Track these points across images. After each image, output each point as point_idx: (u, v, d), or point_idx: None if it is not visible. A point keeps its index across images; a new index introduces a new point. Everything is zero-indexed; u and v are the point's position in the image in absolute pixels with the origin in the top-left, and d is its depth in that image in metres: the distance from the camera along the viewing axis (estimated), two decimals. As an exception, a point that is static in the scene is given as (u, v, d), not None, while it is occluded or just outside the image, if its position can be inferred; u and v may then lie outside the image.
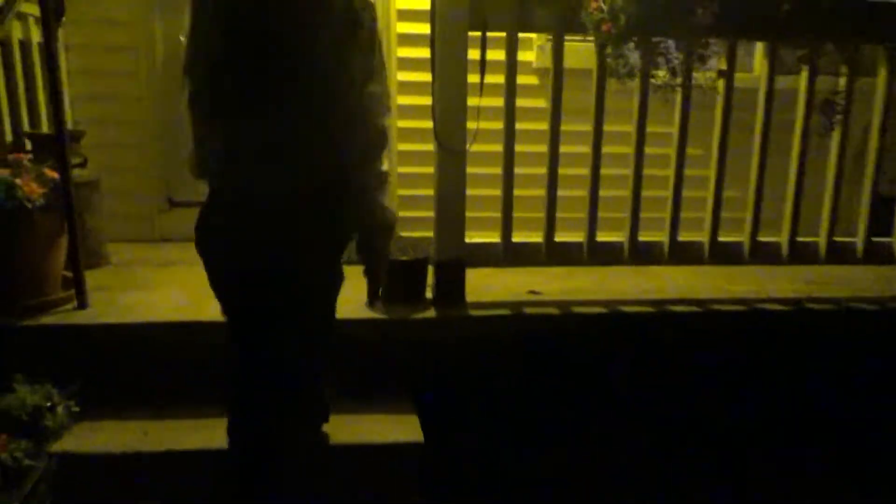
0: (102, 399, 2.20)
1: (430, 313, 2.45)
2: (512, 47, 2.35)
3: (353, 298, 2.52)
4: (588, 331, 2.48)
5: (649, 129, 2.52)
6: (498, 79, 2.39)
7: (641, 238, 2.62)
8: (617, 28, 2.00)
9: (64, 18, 3.27)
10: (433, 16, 2.29)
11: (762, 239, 2.69)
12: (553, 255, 2.57)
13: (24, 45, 3.04)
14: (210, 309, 2.34)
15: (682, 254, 2.64)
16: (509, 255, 2.54)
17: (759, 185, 2.64)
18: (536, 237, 2.57)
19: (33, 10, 3.05)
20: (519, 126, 2.46)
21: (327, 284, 1.76)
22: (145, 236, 3.51)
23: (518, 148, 2.47)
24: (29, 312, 2.30)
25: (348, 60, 1.58)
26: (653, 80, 2.23)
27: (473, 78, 2.32)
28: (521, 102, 2.47)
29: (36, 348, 2.23)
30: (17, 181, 2.20)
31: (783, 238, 2.69)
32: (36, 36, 3.12)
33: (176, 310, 2.42)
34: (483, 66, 2.33)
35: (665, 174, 2.63)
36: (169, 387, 2.28)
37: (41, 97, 3.13)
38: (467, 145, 2.38)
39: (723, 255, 2.67)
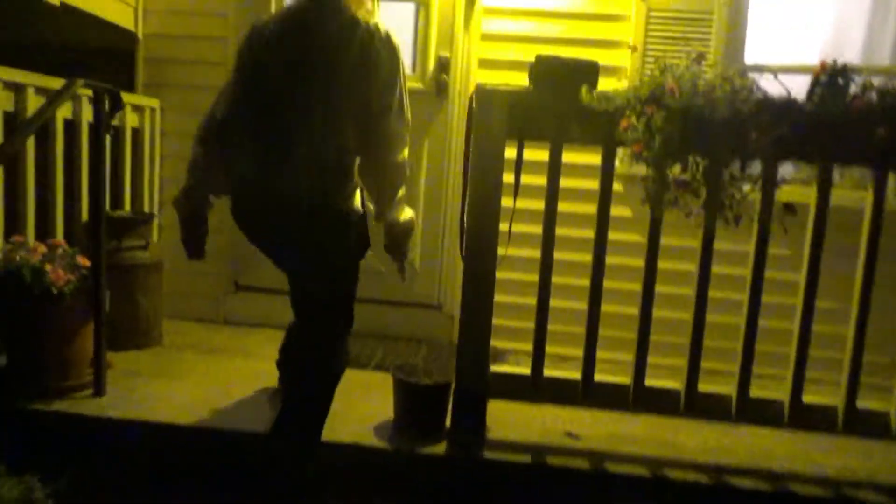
0: (90, 497, 2.13)
1: (441, 449, 2.18)
2: (556, 155, 2.11)
3: (361, 417, 2.34)
4: (625, 498, 2.08)
5: (718, 246, 2.11)
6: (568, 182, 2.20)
7: (703, 387, 2.19)
8: (650, 151, 1.69)
9: (161, 106, 3.50)
10: (469, 119, 2.12)
11: (864, 406, 2.16)
12: (592, 396, 2.22)
13: (118, 130, 3.24)
14: (222, 413, 2.28)
15: (754, 412, 2.18)
16: (540, 391, 2.23)
17: (860, 333, 2.13)
18: (573, 373, 2.24)
19: (127, 98, 3.27)
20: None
21: (336, 286, 1.96)
22: (210, 317, 3.54)
23: (579, 257, 2.21)
24: (47, 396, 2.31)
25: (365, 93, 1.83)
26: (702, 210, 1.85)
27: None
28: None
29: (40, 434, 2.22)
30: (47, 267, 2.25)
31: (893, 407, 2.15)
32: (132, 121, 3.33)
33: (187, 409, 2.34)
34: (518, 178, 2.11)
35: (737, 298, 2.20)
36: (157, 493, 2.18)
37: (126, 179, 3.31)
38: (497, 262, 2.15)
39: (808, 420, 2.17)
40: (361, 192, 2.04)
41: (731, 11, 3.17)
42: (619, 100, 1.80)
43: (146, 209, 3.44)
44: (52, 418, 2.24)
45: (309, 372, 1.94)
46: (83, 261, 2.36)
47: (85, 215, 2.98)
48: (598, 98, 1.82)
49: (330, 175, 1.87)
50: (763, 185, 1.91)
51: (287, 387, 2.02)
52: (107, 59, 3.57)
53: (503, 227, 2.15)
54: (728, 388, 2.19)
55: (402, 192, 1.97)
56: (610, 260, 2.16)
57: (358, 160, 1.94)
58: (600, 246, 2.13)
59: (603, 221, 2.11)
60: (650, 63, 3.20)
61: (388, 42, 1.87)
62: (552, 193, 2.12)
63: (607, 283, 2.18)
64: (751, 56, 3.27)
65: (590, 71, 2.02)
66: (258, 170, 1.89)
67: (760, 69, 3.29)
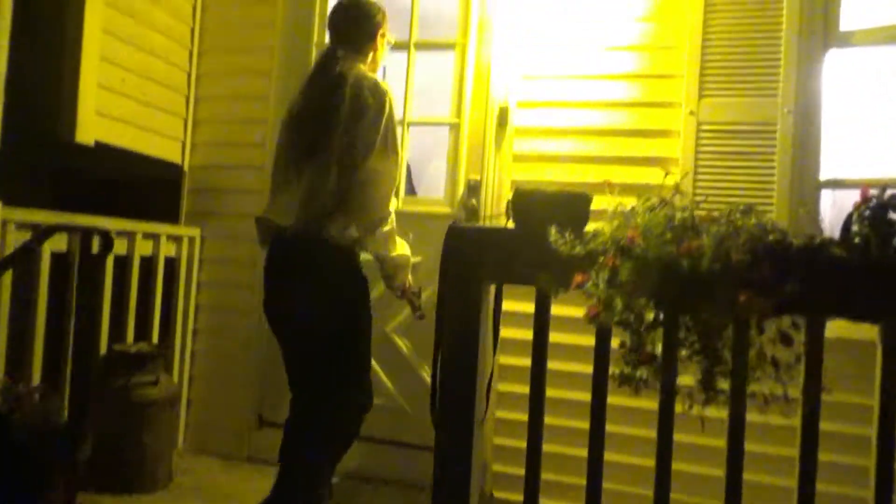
0: None
1: None
2: (542, 306, 1.76)
3: None
4: None
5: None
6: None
7: None
8: (609, 315, 1.32)
9: (202, 235, 3.51)
10: (444, 263, 1.85)
11: None
12: None
13: (149, 260, 3.25)
14: None
15: None
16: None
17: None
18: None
19: (162, 229, 3.31)
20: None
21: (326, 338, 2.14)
22: (234, 453, 3.35)
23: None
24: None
25: (353, 135, 2.04)
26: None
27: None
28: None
29: None
30: (16, 414, 2.15)
31: None
32: (166, 251, 3.33)
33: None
34: (497, 327, 1.80)
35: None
36: None
37: (157, 311, 3.28)
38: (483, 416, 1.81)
39: None
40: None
41: (800, 121, 2.75)
42: (594, 243, 1.46)
43: (178, 338, 3.39)
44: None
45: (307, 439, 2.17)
46: (61, 407, 2.25)
47: (103, 348, 2.95)
48: (569, 241, 1.49)
49: (327, 214, 2.06)
50: (806, 351, 1.45)
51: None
52: (153, 190, 3.66)
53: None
54: None
55: (387, 227, 2.12)
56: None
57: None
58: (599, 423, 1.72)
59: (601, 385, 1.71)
60: (703, 182, 2.82)
61: (375, 88, 2.08)
62: (540, 347, 1.76)
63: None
64: (829, 170, 2.80)
65: (578, 205, 1.70)
66: (272, 216, 2.17)
67: (840, 184, 2.83)
